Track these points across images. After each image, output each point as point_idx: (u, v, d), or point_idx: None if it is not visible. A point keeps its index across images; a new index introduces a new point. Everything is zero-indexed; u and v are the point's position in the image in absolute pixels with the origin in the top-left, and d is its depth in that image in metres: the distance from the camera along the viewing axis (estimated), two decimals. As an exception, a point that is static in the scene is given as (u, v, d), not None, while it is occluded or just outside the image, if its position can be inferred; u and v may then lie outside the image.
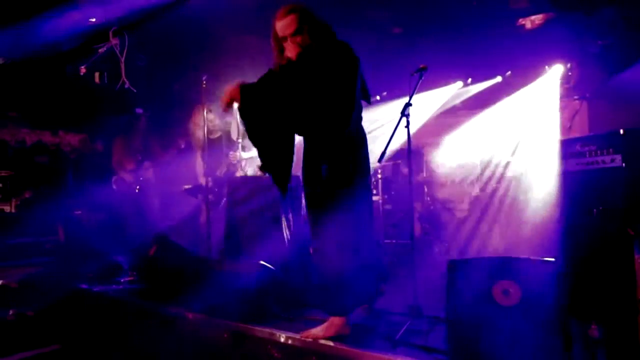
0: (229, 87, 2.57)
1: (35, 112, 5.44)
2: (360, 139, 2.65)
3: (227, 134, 4.67)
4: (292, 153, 2.63)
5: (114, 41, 4.00)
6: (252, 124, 2.60)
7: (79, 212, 5.27)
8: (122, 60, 4.02)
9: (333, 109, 2.42)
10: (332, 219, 2.52)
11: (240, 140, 4.53)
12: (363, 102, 2.72)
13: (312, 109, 2.45)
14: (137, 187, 5.02)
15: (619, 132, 3.42)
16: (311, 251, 2.65)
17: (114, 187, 5.08)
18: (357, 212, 2.56)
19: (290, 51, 2.51)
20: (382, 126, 4.90)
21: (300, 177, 2.75)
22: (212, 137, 4.58)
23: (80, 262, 4.59)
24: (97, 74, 4.29)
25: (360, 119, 2.68)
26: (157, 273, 3.82)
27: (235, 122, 4.33)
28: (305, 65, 2.47)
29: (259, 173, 4.56)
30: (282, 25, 2.49)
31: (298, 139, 2.69)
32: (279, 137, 2.58)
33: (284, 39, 2.51)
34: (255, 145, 2.66)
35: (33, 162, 5.56)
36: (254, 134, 2.61)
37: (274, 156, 2.62)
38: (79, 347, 3.58)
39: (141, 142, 5.14)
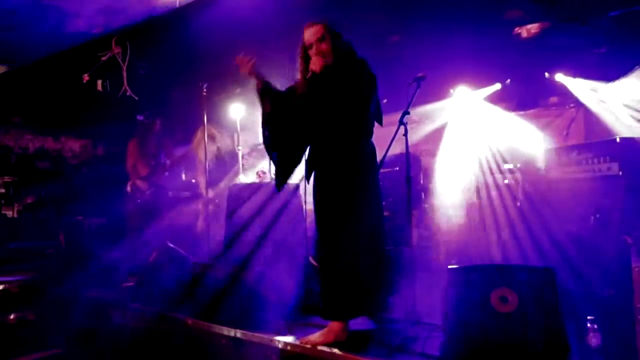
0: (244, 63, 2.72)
1: (38, 118, 5.49)
2: (369, 154, 2.72)
3: (231, 150, 4.73)
4: (300, 156, 2.82)
5: (117, 49, 4.05)
6: (272, 121, 2.82)
7: (80, 217, 5.30)
8: (124, 68, 4.08)
9: (348, 121, 2.62)
10: (337, 228, 2.59)
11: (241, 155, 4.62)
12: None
13: (328, 121, 2.65)
14: (148, 194, 5.04)
15: (615, 139, 3.45)
16: (311, 259, 2.68)
17: (129, 191, 5.09)
18: (361, 222, 2.61)
19: (315, 64, 2.67)
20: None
21: (300, 186, 2.80)
22: (217, 153, 4.66)
23: (81, 267, 4.61)
24: (99, 82, 4.34)
25: (371, 134, 2.76)
26: (156, 279, 3.84)
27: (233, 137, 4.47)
28: (327, 81, 2.64)
29: (257, 181, 4.61)
30: (310, 32, 2.70)
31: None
32: (293, 139, 2.79)
33: (310, 46, 2.69)
34: (273, 141, 2.83)
35: (35, 167, 5.60)
36: (272, 129, 2.82)
37: (284, 152, 2.81)
38: (79, 351, 3.60)
39: (155, 146, 5.15)
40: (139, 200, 5.00)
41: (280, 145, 2.83)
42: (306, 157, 2.82)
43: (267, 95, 2.80)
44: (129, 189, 5.08)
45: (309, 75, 2.70)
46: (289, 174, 2.86)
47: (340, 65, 2.65)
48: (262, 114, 2.84)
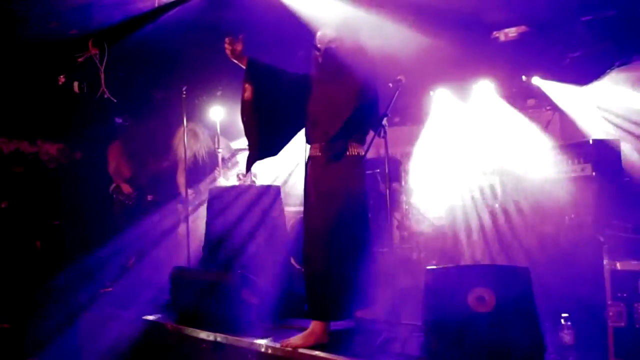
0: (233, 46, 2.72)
1: (12, 120, 5.35)
2: (360, 159, 2.75)
3: (211, 151, 4.71)
4: (282, 136, 2.86)
5: (94, 51, 3.98)
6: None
7: (57, 222, 5.19)
8: (102, 69, 4.01)
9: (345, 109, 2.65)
10: (325, 231, 2.63)
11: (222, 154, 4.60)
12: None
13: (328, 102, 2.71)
14: (134, 197, 4.98)
15: (589, 141, 3.55)
16: (292, 261, 2.69)
17: (114, 196, 5.03)
18: (349, 226, 2.65)
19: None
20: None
21: (280, 188, 2.82)
22: (198, 153, 4.64)
23: (58, 273, 4.52)
24: (76, 84, 4.25)
25: (365, 140, 2.81)
26: (135, 283, 3.80)
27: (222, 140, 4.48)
28: (334, 54, 2.71)
29: (239, 182, 4.58)
30: (321, 35, 2.77)
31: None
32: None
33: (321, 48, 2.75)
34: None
35: (10, 171, 5.45)
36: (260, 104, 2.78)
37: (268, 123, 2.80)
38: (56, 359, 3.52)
39: (139, 149, 5.10)
40: (121, 203, 4.94)
41: (266, 114, 2.78)
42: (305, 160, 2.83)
43: (255, 79, 2.76)
44: (111, 191, 5.03)
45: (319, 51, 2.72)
46: (264, 152, 2.85)
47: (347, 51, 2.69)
48: (250, 93, 2.79)
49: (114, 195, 5.04)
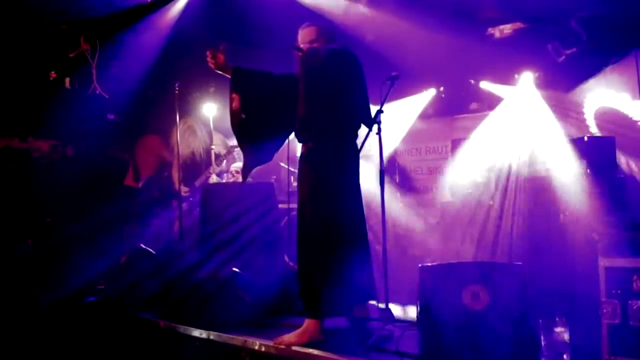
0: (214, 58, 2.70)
1: (3, 117, 5.30)
2: (353, 153, 2.74)
3: (207, 148, 4.69)
4: (275, 143, 2.90)
5: (85, 46, 3.96)
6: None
7: (49, 219, 5.16)
8: (94, 65, 3.98)
9: (333, 108, 2.65)
10: (318, 227, 2.62)
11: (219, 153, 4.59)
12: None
13: (314, 104, 2.69)
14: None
15: (584, 139, 3.57)
16: (286, 258, 2.67)
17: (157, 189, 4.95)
18: (342, 222, 2.63)
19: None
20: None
21: (274, 185, 2.81)
22: (196, 151, 4.63)
23: (50, 271, 4.49)
24: (67, 79, 4.22)
25: (356, 136, 2.79)
26: (128, 281, 3.77)
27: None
28: (315, 58, 2.69)
29: (232, 179, 4.57)
30: (304, 33, 2.76)
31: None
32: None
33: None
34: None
35: (0, 168, 5.41)
36: (250, 113, 2.79)
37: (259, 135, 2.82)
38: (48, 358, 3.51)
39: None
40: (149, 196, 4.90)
41: (256, 122, 2.79)
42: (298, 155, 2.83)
43: (241, 87, 2.75)
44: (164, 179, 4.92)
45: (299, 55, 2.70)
46: (259, 159, 2.89)
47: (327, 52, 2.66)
48: (238, 102, 2.78)
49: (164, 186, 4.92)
